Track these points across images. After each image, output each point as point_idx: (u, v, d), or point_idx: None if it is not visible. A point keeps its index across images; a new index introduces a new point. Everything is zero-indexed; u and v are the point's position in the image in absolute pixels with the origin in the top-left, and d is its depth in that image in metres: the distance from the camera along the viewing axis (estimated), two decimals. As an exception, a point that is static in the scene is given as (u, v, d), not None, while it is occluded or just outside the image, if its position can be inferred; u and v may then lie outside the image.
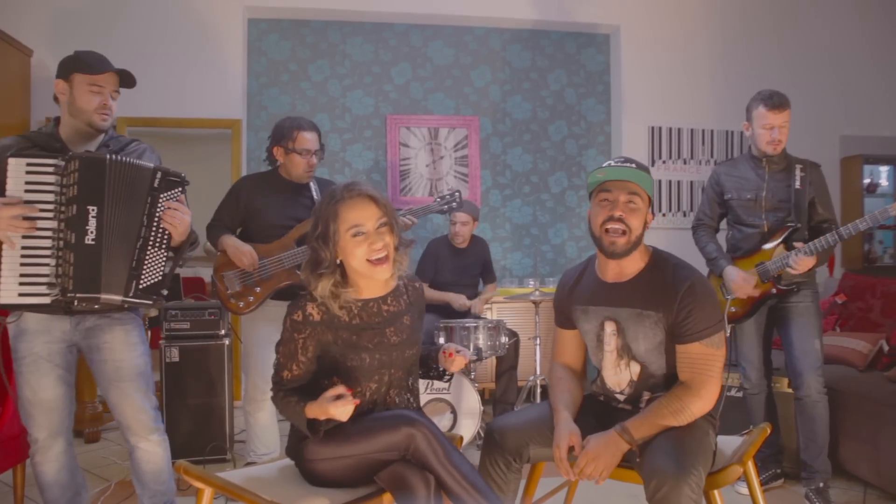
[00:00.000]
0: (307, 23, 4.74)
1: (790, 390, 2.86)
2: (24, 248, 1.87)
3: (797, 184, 2.64)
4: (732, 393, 2.97)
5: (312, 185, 2.83)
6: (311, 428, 1.64)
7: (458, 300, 3.75)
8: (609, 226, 1.74)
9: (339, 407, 1.57)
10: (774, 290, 2.66)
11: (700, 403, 1.68)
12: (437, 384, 3.24)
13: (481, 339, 3.33)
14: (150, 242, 1.96)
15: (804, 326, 2.63)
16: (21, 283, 1.87)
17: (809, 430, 2.59)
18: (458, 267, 3.91)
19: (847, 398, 2.78)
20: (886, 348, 3.11)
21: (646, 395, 1.83)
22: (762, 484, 2.49)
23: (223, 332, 3.23)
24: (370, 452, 1.59)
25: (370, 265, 1.69)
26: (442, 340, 3.36)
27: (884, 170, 5.20)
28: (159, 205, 1.96)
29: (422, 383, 2.95)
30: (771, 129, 2.62)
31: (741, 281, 2.66)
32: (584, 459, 1.63)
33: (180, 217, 1.97)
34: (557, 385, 1.90)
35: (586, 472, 1.63)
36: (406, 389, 1.85)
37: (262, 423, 2.78)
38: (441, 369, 1.93)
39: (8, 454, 2.48)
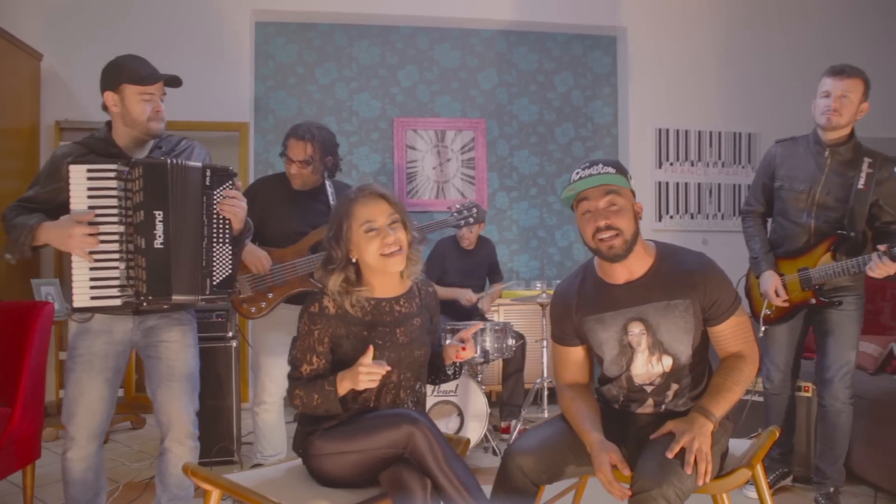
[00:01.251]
0: (314, 26, 4.76)
1: (808, 394, 2.80)
2: (92, 252, 1.92)
3: (861, 183, 2.35)
4: (755, 398, 2.88)
5: (329, 190, 2.82)
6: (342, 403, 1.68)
7: (464, 294, 3.75)
8: (599, 235, 1.73)
9: (367, 374, 1.60)
10: (814, 301, 2.48)
11: (754, 368, 1.73)
12: (444, 386, 3.24)
13: (488, 342, 3.33)
14: (215, 239, 2.02)
15: (842, 337, 2.47)
16: (92, 287, 1.93)
17: (829, 438, 2.51)
18: (466, 267, 3.91)
19: (857, 401, 2.74)
20: (897, 351, 3.09)
21: (673, 387, 1.80)
22: (770, 485, 2.47)
23: (231, 334, 3.24)
24: (372, 448, 1.60)
25: (383, 258, 1.72)
26: (448, 342, 3.34)
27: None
28: (214, 201, 2.01)
29: (429, 386, 2.94)
30: (827, 97, 2.40)
31: (772, 292, 2.52)
32: (691, 452, 1.54)
33: (239, 205, 2.03)
34: (572, 407, 1.80)
35: (702, 463, 1.54)
36: (414, 392, 1.85)
37: (269, 425, 2.78)
38: (451, 369, 1.94)
39: (18, 455, 2.50)
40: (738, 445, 1.93)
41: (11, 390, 2.49)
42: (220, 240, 2.03)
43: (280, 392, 2.77)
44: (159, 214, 1.94)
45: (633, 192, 1.78)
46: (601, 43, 5.09)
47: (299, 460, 1.87)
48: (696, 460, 1.54)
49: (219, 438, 3.14)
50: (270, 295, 2.66)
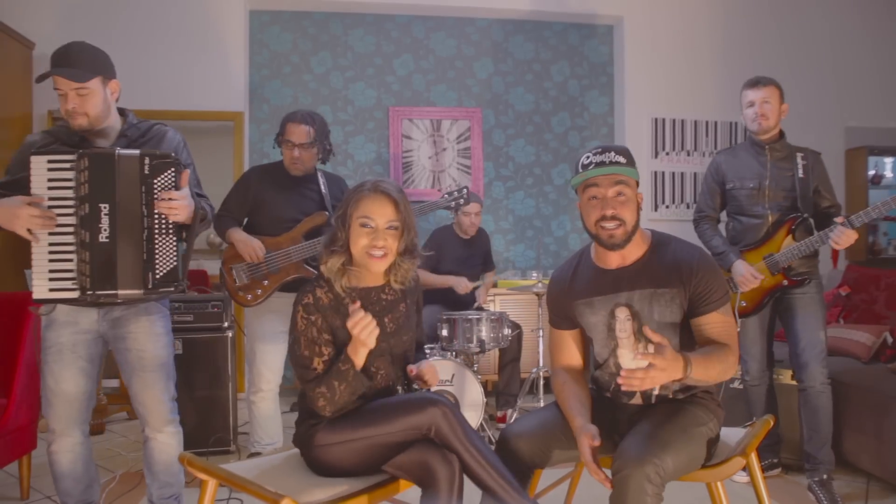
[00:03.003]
0: (308, 14, 4.73)
1: (792, 382, 2.86)
2: (51, 244, 1.91)
3: (800, 172, 2.62)
4: (735, 384, 2.97)
5: (321, 179, 2.83)
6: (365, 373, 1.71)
7: (459, 283, 3.75)
8: (603, 223, 1.74)
9: (359, 329, 1.63)
10: (786, 282, 2.64)
11: (735, 363, 1.71)
12: (441, 376, 3.23)
13: (484, 331, 3.33)
14: (157, 231, 1.96)
15: (809, 318, 2.61)
16: (51, 279, 1.91)
17: (813, 422, 2.58)
18: (462, 257, 3.91)
19: (850, 390, 2.78)
20: (890, 340, 3.11)
21: None
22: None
23: (226, 324, 3.24)
24: (390, 433, 1.61)
25: (367, 257, 1.74)
26: (445, 333, 3.36)
27: (888, 161, 5.16)
28: (155, 191, 1.95)
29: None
30: (752, 106, 2.66)
31: (749, 276, 2.63)
32: (656, 369, 1.52)
33: (175, 204, 1.94)
34: (563, 393, 1.84)
35: (648, 379, 1.51)
36: (403, 377, 1.87)
37: (265, 413, 2.79)
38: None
39: (14, 446, 2.50)
40: (731, 434, 1.94)
41: (6, 381, 2.49)
42: (164, 231, 1.96)
43: (276, 380, 2.78)
44: (105, 207, 1.90)
45: (637, 182, 1.79)
46: (598, 32, 5.06)
47: (296, 450, 1.87)
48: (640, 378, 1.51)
49: (215, 429, 3.14)
50: (266, 282, 2.67)
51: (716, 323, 1.73)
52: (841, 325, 3.42)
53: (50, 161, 1.90)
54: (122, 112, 2.13)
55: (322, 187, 2.81)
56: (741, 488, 2.67)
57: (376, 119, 4.81)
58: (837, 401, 2.64)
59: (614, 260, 1.82)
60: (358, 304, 1.70)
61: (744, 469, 1.83)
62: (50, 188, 1.90)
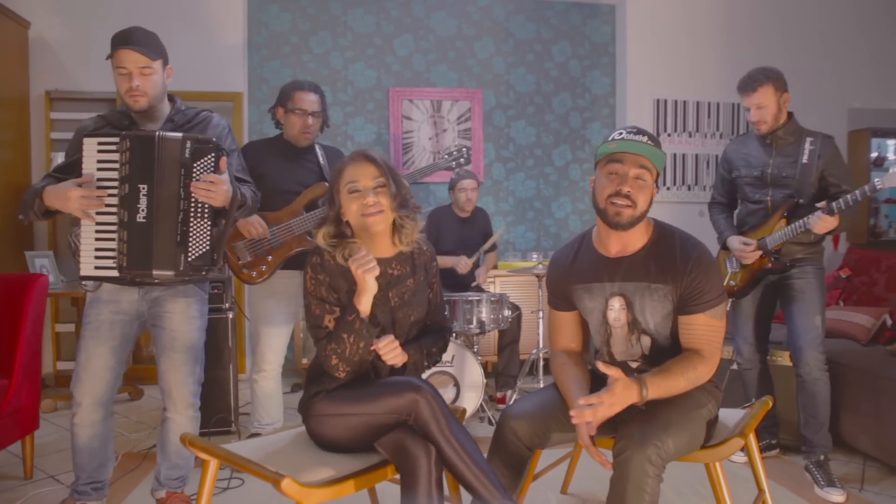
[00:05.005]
0: (308, -7, 4.68)
1: (789, 363, 2.87)
2: (98, 223, 1.98)
3: (804, 158, 2.60)
4: (734, 367, 2.98)
5: (318, 151, 2.82)
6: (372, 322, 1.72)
7: (459, 262, 3.75)
8: (614, 199, 1.72)
9: (356, 265, 1.66)
10: (769, 265, 2.66)
11: (708, 372, 1.71)
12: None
13: (484, 313, 3.34)
14: (192, 214, 1.99)
15: (806, 302, 2.61)
16: (96, 257, 1.98)
17: (810, 407, 2.59)
18: (462, 237, 3.90)
19: (849, 372, 2.79)
20: (890, 322, 3.12)
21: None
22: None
23: (227, 305, 3.24)
24: (375, 413, 1.61)
25: (363, 218, 1.75)
26: (445, 314, 3.36)
27: (891, 143, 5.14)
28: (194, 175, 1.98)
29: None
30: (748, 111, 2.67)
31: (739, 245, 2.69)
32: (604, 406, 1.57)
33: (214, 188, 1.97)
34: (562, 374, 1.84)
35: (599, 414, 1.57)
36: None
37: (267, 393, 2.80)
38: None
39: (17, 426, 2.52)
40: (729, 415, 1.95)
41: (8, 362, 2.50)
42: (199, 215, 2.00)
43: (278, 360, 2.79)
44: (143, 188, 1.95)
45: (658, 176, 1.78)
46: (600, 12, 5.01)
47: (296, 429, 1.88)
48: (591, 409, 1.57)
49: (216, 409, 3.16)
50: (270, 258, 2.66)
51: (699, 325, 1.72)
52: (841, 307, 3.43)
53: (100, 143, 1.98)
54: (170, 98, 2.19)
55: (320, 158, 2.80)
56: (739, 468, 2.70)
57: (376, 100, 4.78)
58: (836, 382, 2.65)
59: (615, 247, 1.81)
60: (363, 248, 1.73)
61: (742, 450, 1.85)
62: (100, 169, 1.98)
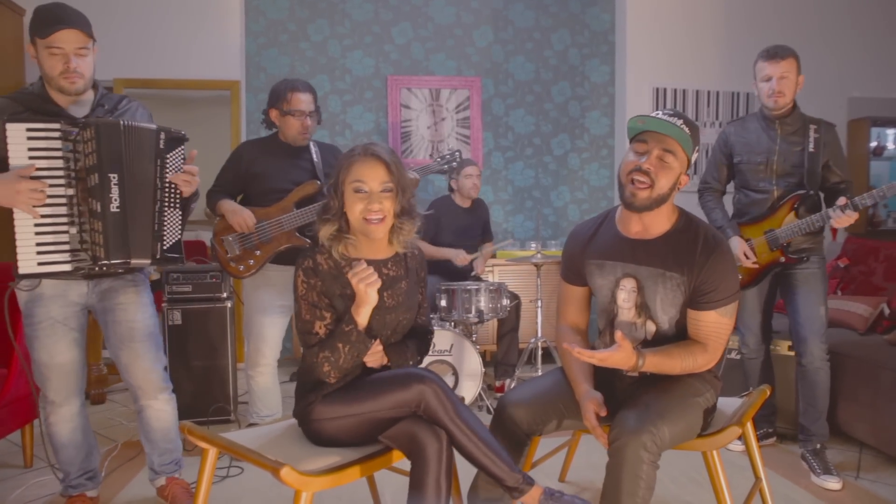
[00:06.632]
0: (305, -20, 4.64)
1: (789, 353, 2.88)
2: (42, 216, 1.87)
3: (811, 146, 2.55)
4: (732, 356, 2.98)
5: (313, 149, 2.80)
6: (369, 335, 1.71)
7: (457, 255, 3.75)
8: (635, 176, 1.69)
9: (357, 279, 1.64)
10: (783, 259, 2.61)
11: (708, 363, 1.73)
12: (439, 346, 3.26)
13: (483, 302, 3.34)
14: (166, 203, 2.01)
15: (810, 293, 2.59)
16: (39, 252, 1.87)
17: (810, 396, 2.59)
18: (461, 227, 3.90)
19: (847, 361, 2.80)
20: (887, 312, 3.12)
21: None
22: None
23: (225, 294, 3.24)
24: (380, 410, 1.61)
25: (365, 223, 1.72)
26: (443, 303, 3.37)
27: (891, 132, 5.13)
28: (167, 165, 1.99)
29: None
30: (769, 80, 2.55)
31: (742, 255, 2.63)
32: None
33: (193, 179, 2.03)
34: (567, 356, 1.82)
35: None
36: None
37: (263, 387, 2.80)
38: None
39: (16, 415, 2.52)
40: (727, 404, 1.96)
41: (6, 351, 2.50)
42: (171, 204, 2.02)
43: (273, 354, 2.78)
44: (114, 178, 1.89)
45: (689, 163, 1.73)
46: (599, 0, 4.98)
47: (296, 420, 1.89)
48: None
49: (215, 398, 3.17)
50: (258, 252, 2.65)
51: (708, 322, 1.72)
52: (839, 296, 3.43)
53: (29, 129, 1.84)
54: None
55: (314, 156, 2.79)
56: (736, 457, 2.71)
57: (374, 88, 4.76)
58: (833, 371, 2.65)
59: (635, 227, 1.78)
60: (363, 261, 1.70)
61: (739, 438, 1.86)
62: (31, 157, 1.85)
